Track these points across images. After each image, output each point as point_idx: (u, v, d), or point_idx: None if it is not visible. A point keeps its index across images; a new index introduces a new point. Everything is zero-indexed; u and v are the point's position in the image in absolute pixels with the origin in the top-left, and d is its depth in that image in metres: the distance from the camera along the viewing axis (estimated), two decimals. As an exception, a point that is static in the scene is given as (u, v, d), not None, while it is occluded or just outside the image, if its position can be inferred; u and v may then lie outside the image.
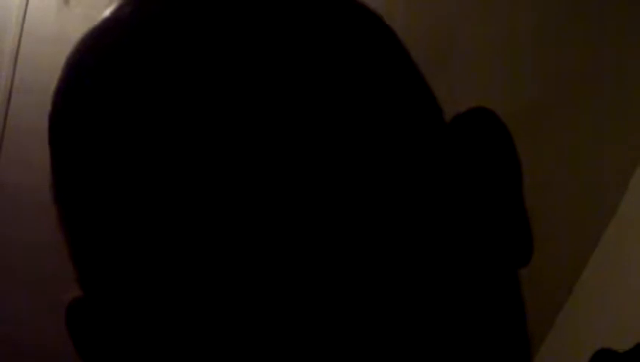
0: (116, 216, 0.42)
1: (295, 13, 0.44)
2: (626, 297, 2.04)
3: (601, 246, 2.18)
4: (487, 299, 0.44)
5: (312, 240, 0.40)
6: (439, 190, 0.43)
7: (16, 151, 2.22)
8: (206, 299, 0.41)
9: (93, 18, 0.47)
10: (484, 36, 2.01)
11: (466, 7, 1.98)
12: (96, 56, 0.44)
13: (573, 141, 2.12)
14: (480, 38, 2.01)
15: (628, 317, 1.92)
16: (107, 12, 0.46)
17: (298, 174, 0.40)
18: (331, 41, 0.43)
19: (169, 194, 0.41)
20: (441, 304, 0.41)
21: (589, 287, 2.20)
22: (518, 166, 0.48)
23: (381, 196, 0.41)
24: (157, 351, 0.42)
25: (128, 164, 0.42)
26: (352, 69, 0.43)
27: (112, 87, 0.43)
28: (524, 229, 0.47)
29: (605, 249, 2.16)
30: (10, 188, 2.29)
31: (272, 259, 0.40)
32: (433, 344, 0.41)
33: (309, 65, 0.42)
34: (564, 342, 2.18)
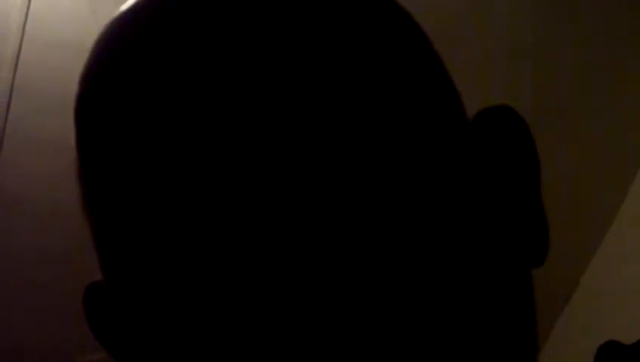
0: (137, 198, 0.42)
1: (315, 10, 0.44)
2: (631, 291, 2.04)
3: (606, 242, 2.18)
4: (498, 295, 0.44)
5: (323, 237, 0.40)
6: (458, 187, 0.43)
7: (15, 157, 2.22)
8: (208, 293, 0.41)
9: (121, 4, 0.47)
10: (484, 38, 2.01)
11: (466, 9, 1.98)
12: (123, 41, 0.45)
13: (571, 140, 2.12)
14: (479, 39, 2.01)
15: (633, 311, 1.92)
16: None
17: (313, 171, 0.41)
18: (351, 36, 0.43)
19: (181, 181, 0.41)
20: (451, 301, 0.41)
21: (595, 281, 2.20)
22: (538, 165, 0.48)
23: (398, 192, 0.41)
24: (165, 340, 0.43)
25: (150, 149, 0.42)
26: (369, 64, 0.43)
27: (138, 72, 0.43)
28: (541, 229, 0.47)
29: (610, 244, 2.16)
30: (9, 193, 2.29)
31: (276, 256, 0.40)
32: (441, 340, 0.41)
33: (330, 58, 0.42)
34: (571, 335, 2.18)
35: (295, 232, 0.40)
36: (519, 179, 0.47)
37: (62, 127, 1.50)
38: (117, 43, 0.45)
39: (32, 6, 1.94)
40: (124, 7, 0.47)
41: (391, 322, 0.40)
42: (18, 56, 2.00)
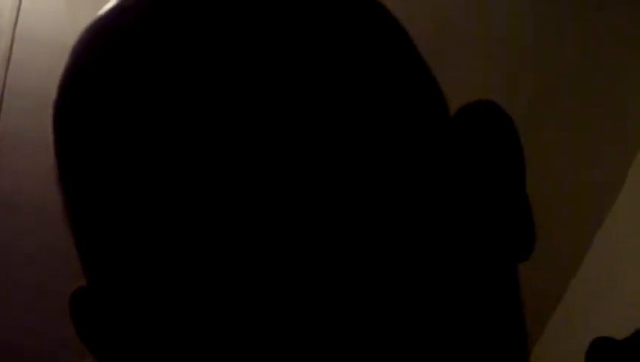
0: (119, 206, 0.42)
1: (301, 9, 0.43)
2: (623, 289, 2.04)
3: (597, 241, 2.18)
4: (485, 292, 0.43)
5: (313, 237, 0.40)
6: (442, 183, 0.42)
7: (8, 157, 2.22)
8: (205, 294, 0.40)
9: (100, 8, 0.47)
10: (482, 35, 2.01)
11: (464, 7, 1.98)
12: (101, 47, 0.44)
13: (569, 140, 2.13)
14: (478, 37, 2.02)
15: (625, 308, 1.92)
16: (112, 1, 0.46)
17: (300, 171, 0.40)
18: (335, 36, 0.43)
19: (170, 186, 0.40)
20: (440, 297, 0.41)
21: (587, 279, 2.21)
22: (522, 159, 0.48)
23: (383, 190, 0.41)
24: (156, 344, 0.42)
25: (133, 154, 0.41)
26: (356, 64, 0.42)
27: (116, 79, 0.42)
28: (526, 223, 0.47)
29: (602, 243, 2.17)
30: (3, 192, 2.28)
31: (271, 256, 0.40)
32: (431, 339, 0.40)
33: (315, 60, 0.42)
34: (564, 332, 2.19)
35: (281, 231, 0.40)
36: (503, 173, 0.47)
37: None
38: (95, 48, 0.44)
39: (23, 5, 1.94)
40: (102, 11, 0.46)
41: (383, 319, 0.40)
42: (10, 56, 2.00)
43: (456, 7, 1.98)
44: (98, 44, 0.44)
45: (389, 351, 0.40)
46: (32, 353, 2.55)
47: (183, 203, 0.40)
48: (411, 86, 0.44)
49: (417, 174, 0.42)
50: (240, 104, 0.41)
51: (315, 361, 0.39)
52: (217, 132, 0.40)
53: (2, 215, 2.34)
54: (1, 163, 2.23)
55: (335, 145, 0.41)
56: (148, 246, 0.41)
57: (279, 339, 0.39)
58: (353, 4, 0.45)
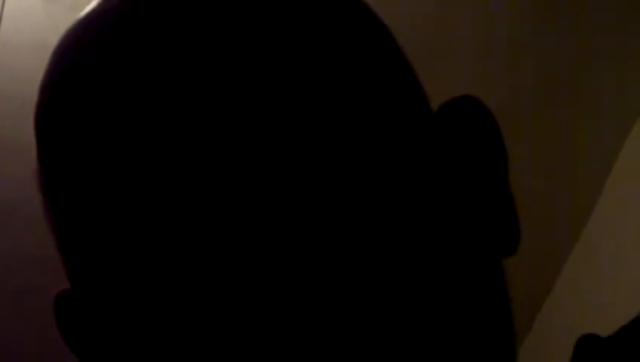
0: (103, 209, 0.41)
1: (286, 8, 0.43)
2: (609, 286, 2.05)
3: (583, 238, 2.19)
4: (472, 288, 0.43)
5: (297, 236, 0.40)
6: (426, 180, 0.43)
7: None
8: (194, 296, 0.40)
9: (80, 11, 0.47)
10: (464, 36, 2.02)
11: (444, 8, 1.98)
12: (82, 49, 0.44)
13: (558, 137, 2.13)
14: (460, 37, 2.02)
15: (612, 305, 1.93)
16: (93, 4, 0.46)
17: (284, 170, 0.40)
18: (320, 38, 0.43)
19: (156, 188, 0.40)
20: (427, 295, 0.41)
21: (573, 277, 2.21)
22: (505, 153, 0.48)
23: (367, 187, 0.41)
24: (143, 347, 0.42)
25: (115, 158, 0.41)
26: (338, 62, 0.42)
27: (98, 81, 0.42)
28: (510, 217, 0.47)
29: (588, 240, 2.17)
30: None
31: (257, 257, 0.40)
32: (418, 335, 0.41)
33: (298, 60, 0.42)
34: (550, 330, 2.19)
35: (268, 230, 0.40)
36: (486, 167, 0.47)
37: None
38: (75, 51, 0.44)
39: (6, 7, 1.93)
40: (82, 14, 0.46)
41: (371, 316, 0.40)
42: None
43: (434, 7, 1.98)
44: (78, 46, 0.44)
45: (379, 347, 0.40)
46: (33, 353, 2.54)
47: (170, 204, 0.40)
48: (392, 84, 0.45)
49: (400, 171, 0.42)
50: (222, 105, 0.41)
51: (305, 359, 0.40)
52: (197, 132, 0.40)
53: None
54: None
55: (318, 144, 0.41)
56: (135, 249, 0.41)
57: (271, 341, 0.40)
58: (336, 3, 0.46)
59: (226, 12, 0.43)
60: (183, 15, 0.43)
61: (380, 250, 0.41)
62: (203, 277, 0.40)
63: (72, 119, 0.43)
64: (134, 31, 0.43)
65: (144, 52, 0.42)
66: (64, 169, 0.43)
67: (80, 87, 0.43)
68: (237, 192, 0.40)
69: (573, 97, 2.08)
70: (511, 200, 0.47)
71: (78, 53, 0.44)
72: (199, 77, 0.41)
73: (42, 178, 0.46)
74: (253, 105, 0.41)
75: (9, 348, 2.58)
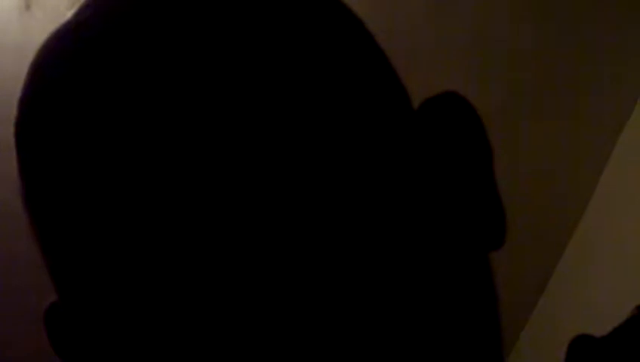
0: (88, 221, 0.41)
1: (267, 9, 0.43)
2: (603, 285, 2.05)
3: (576, 236, 2.20)
4: (459, 283, 0.43)
5: (281, 238, 0.40)
6: (410, 176, 0.43)
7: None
8: (190, 303, 0.40)
9: (56, 22, 0.47)
10: (463, 35, 2.02)
11: (444, 7, 1.98)
12: (59, 61, 0.44)
13: (552, 134, 2.14)
14: (459, 37, 2.02)
15: (604, 305, 1.93)
16: (69, 15, 0.46)
17: (270, 169, 0.40)
18: (301, 39, 0.43)
19: (141, 199, 0.40)
20: (414, 290, 0.41)
21: (566, 275, 2.22)
22: (489, 148, 0.48)
23: (351, 186, 0.41)
24: (136, 357, 0.42)
25: (98, 168, 0.41)
26: (317, 62, 0.42)
27: (77, 92, 0.42)
28: (496, 211, 0.47)
29: (581, 238, 2.19)
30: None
31: (252, 258, 0.39)
32: (407, 333, 0.41)
33: (280, 61, 0.42)
34: (543, 329, 2.20)
35: (256, 231, 0.40)
36: (470, 162, 0.47)
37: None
38: (52, 66, 0.44)
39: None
40: (57, 27, 0.46)
41: (361, 315, 0.40)
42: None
43: (422, 7, 1.98)
44: (54, 60, 0.44)
45: (370, 346, 0.40)
46: (33, 351, 2.54)
47: (163, 210, 0.40)
48: (371, 83, 0.45)
49: (383, 168, 0.42)
50: (200, 108, 0.41)
51: (300, 359, 0.39)
52: (184, 139, 0.40)
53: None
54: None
55: (303, 144, 0.41)
56: (125, 259, 0.41)
57: (268, 342, 0.39)
58: (315, 4, 0.46)
59: (201, 20, 0.42)
60: (158, 26, 0.42)
61: (368, 246, 0.41)
62: (198, 285, 0.40)
63: (51, 133, 0.43)
64: (109, 41, 0.43)
65: (119, 64, 0.42)
66: (47, 181, 0.43)
67: (57, 102, 0.43)
68: (223, 194, 0.40)
69: (572, 97, 2.08)
70: (496, 194, 0.47)
71: (54, 67, 0.44)
72: (177, 83, 0.41)
73: (25, 193, 0.45)
74: (231, 108, 0.41)
75: (9, 347, 2.58)
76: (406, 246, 0.41)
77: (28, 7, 1.84)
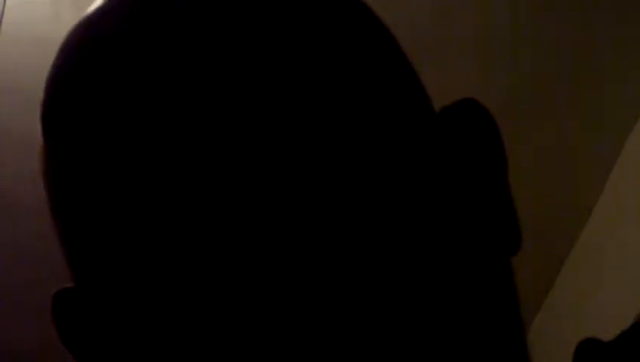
0: (109, 206, 0.42)
1: (287, 8, 0.44)
2: (609, 287, 2.05)
3: (582, 240, 2.19)
4: (478, 288, 0.44)
5: (301, 237, 0.40)
6: (429, 182, 0.43)
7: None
8: (198, 296, 0.40)
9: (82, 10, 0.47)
10: (464, 35, 2.02)
11: (443, 7, 1.98)
12: (87, 47, 0.44)
13: (557, 138, 2.13)
14: (459, 36, 2.02)
15: (610, 306, 1.93)
16: (98, 1, 0.46)
17: (288, 171, 0.40)
18: (322, 37, 0.43)
19: (161, 185, 0.41)
20: (434, 297, 0.41)
21: (572, 277, 2.21)
22: (504, 156, 0.48)
23: (372, 191, 0.41)
24: (143, 346, 0.42)
25: (123, 156, 0.41)
26: (343, 65, 0.43)
27: (103, 79, 0.43)
28: (511, 218, 0.47)
29: (587, 241, 2.18)
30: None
31: (260, 255, 0.40)
32: (426, 336, 0.41)
33: (300, 61, 0.42)
34: (549, 331, 2.19)
35: (273, 230, 0.40)
36: (486, 170, 0.48)
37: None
38: (81, 49, 0.45)
39: (7, 3, 1.93)
40: (87, 12, 0.47)
41: (379, 317, 0.40)
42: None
43: (430, 4, 1.97)
44: (84, 44, 0.45)
45: (387, 348, 0.40)
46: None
47: (176, 204, 0.41)
48: (394, 85, 0.45)
49: (403, 172, 0.42)
50: (226, 105, 0.41)
51: (311, 361, 0.40)
52: (205, 132, 0.41)
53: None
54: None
55: (321, 145, 0.41)
56: (138, 246, 0.41)
57: (273, 341, 0.40)
58: (339, 4, 0.46)
59: (229, 11, 0.43)
60: (186, 12, 0.43)
61: (384, 250, 0.41)
62: (205, 277, 0.40)
63: (79, 116, 0.43)
64: (139, 28, 0.43)
65: (148, 50, 0.42)
66: (71, 165, 0.43)
67: (86, 85, 0.43)
68: (240, 192, 0.40)
69: (573, 97, 2.08)
70: (511, 201, 0.48)
71: (84, 51, 0.44)
72: (202, 75, 0.42)
73: (48, 174, 0.46)
74: (256, 105, 0.41)
75: (9, 346, 2.58)
76: (422, 248, 0.42)
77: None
